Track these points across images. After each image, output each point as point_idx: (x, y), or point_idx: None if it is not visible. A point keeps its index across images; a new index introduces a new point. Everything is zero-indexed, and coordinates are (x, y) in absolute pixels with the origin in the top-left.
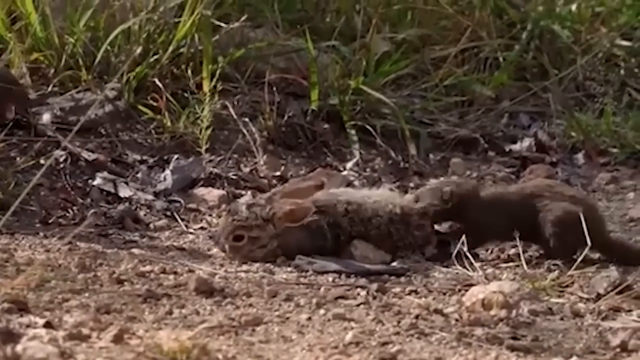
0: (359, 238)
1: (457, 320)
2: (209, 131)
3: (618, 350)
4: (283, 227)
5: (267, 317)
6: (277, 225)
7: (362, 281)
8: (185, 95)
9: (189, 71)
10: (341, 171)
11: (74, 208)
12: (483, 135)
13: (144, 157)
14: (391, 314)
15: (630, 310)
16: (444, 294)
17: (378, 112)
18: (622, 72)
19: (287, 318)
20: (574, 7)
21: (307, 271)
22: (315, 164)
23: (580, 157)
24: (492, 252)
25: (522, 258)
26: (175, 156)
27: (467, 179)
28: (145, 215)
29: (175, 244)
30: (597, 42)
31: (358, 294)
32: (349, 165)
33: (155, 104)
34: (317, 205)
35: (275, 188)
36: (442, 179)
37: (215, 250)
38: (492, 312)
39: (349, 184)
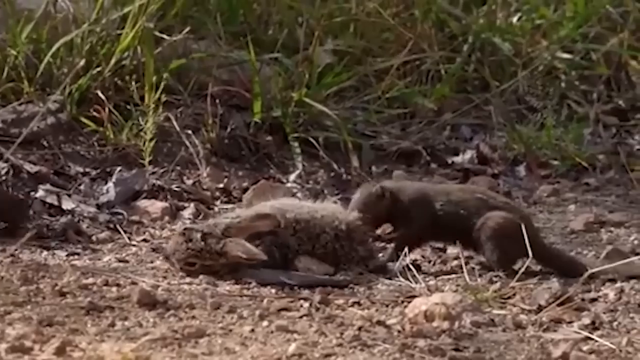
0: (305, 255)
1: (399, 331)
2: (152, 143)
3: None
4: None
5: (210, 329)
6: (229, 259)
7: (305, 293)
8: (128, 107)
9: (132, 83)
10: (284, 183)
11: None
12: (425, 148)
13: (87, 170)
14: (334, 325)
15: (571, 322)
16: (387, 305)
17: (321, 124)
18: (562, 84)
19: (230, 330)
20: (514, 19)
21: (250, 283)
22: (258, 176)
23: (521, 169)
24: (434, 263)
25: (464, 270)
26: (118, 168)
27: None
28: (87, 227)
29: (118, 256)
30: (537, 55)
31: (301, 306)
32: (292, 177)
33: (98, 116)
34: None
35: (231, 218)
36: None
37: (158, 262)
38: (435, 324)
39: (293, 196)
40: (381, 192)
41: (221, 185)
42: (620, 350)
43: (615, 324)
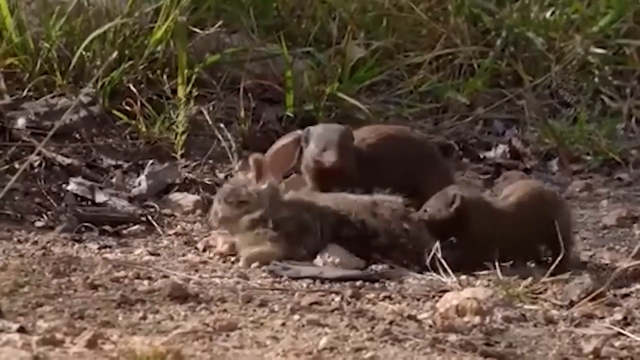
0: (335, 244)
1: (430, 326)
2: (184, 137)
3: (591, 357)
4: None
5: (242, 323)
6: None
7: (337, 287)
8: (161, 100)
9: (165, 77)
10: None
11: (49, 213)
12: (457, 142)
13: (119, 162)
14: (365, 319)
15: (603, 317)
16: (418, 300)
17: (353, 118)
18: (595, 79)
19: (262, 323)
20: (548, 14)
21: (281, 277)
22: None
23: (554, 164)
24: None
25: (496, 265)
26: (150, 161)
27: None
28: (119, 220)
29: (149, 249)
30: (571, 49)
31: (332, 300)
32: None
33: (130, 109)
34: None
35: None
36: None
37: (190, 255)
38: (466, 319)
39: None
40: (453, 199)
41: None
42: None
43: None
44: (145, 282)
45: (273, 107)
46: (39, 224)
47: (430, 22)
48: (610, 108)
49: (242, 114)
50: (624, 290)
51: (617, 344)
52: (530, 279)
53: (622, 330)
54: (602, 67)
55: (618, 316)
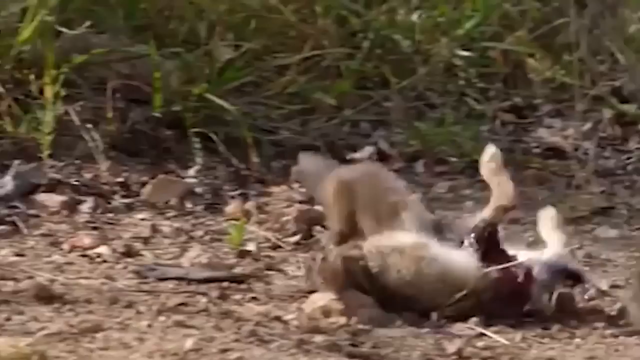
0: None
1: (296, 327)
2: (51, 137)
3: (454, 357)
4: None
5: (107, 324)
6: None
7: (203, 288)
8: (28, 100)
9: (32, 76)
10: (183, 178)
11: None
12: (325, 143)
13: None
14: (231, 321)
15: (466, 319)
16: (284, 301)
17: (221, 120)
18: (461, 82)
19: (127, 325)
20: (415, 17)
21: (147, 278)
22: (158, 170)
23: (419, 165)
24: None
25: None
26: (17, 162)
27: None
28: None
29: (14, 250)
30: (437, 52)
31: (198, 301)
32: (191, 172)
33: None
34: None
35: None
36: None
37: (56, 256)
38: (332, 320)
39: (191, 191)
40: None
41: (120, 179)
42: (514, 346)
43: (509, 320)
44: (10, 283)
45: (141, 107)
46: None
47: (298, 24)
48: (475, 110)
49: (110, 114)
50: None
51: (479, 344)
52: None
53: (484, 331)
54: (467, 70)
55: (481, 317)
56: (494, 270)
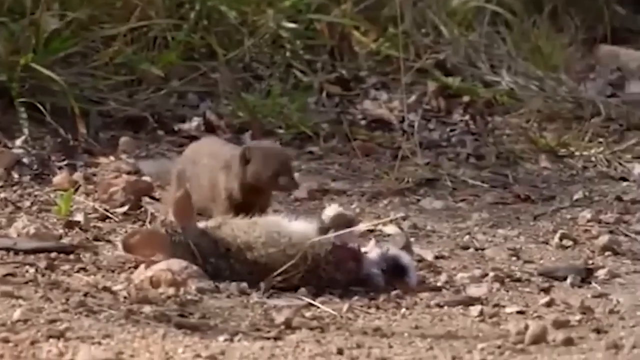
0: None
1: (125, 297)
2: None
3: (282, 327)
4: None
5: None
6: None
7: (31, 258)
8: None
9: None
10: (10, 148)
11: None
12: (152, 114)
13: None
14: (60, 291)
15: (295, 289)
16: (113, 271)
17: (48, 90)
18: (287, 54)
19: None
20: None
21: None
22: None
23: (247, 137)
24: None
25: None
26: None
27: None
28: None
29: None
30: (264, 23)
31: (26, 272)
32: (18, 142)
33: None
34: None
35: None
36: None
37: None
38: (161, 290)
39: (18, 162)
40: None
41: None
42: (342, 316)
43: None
44: None
45: None
46: None
47: None
48: (302, 82)
49: None
50: None
51: (307, 314)
52: None
53: (312, 301)
54: (293, 42)
55: (310, 288)
56: (331, 236)
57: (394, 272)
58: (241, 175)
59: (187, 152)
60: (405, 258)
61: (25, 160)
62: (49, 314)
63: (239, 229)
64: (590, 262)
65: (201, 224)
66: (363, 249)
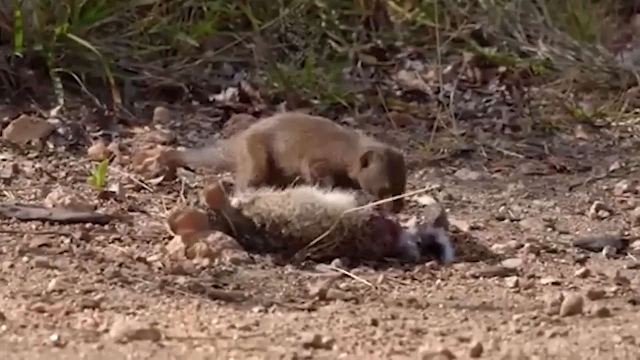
0: None
1: (160, 268)
2: None
3: (317, 298)
4: None
5: None
6: None
7: (66, 229)
8: None
9: None
10: (45, 118)
11: None
12: (187, 85)
13: None
14: (94, 262)
15: (329, 260)
16: (148, 242)
17: (83, 60)
18: (323, 24)
19: None
20: None
21: (10, 218)
22: (19, 110)
23: (282, 107)
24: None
25: None
26: None
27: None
28: None
29: None
30: None
31: (61, 242)
32: (53, 112)
33: None
34: None
35: None
36: None
37: None
38: (195, 261)
39: (53, 132)
40: None
41: None
42: (376, 287)
43: (371, 262)
44: None
45: (2, 47)
46: None
47: None
48: (337, 52)
49: None
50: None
51: (342, 285)
52: None
53: (347, 272)
54: (329, 12)
55: (345, 259)
56: (367, 207)
57: (431, 250)
58: (357, 172)
59: (279, 120)
60: (442, 237)
61: (60, 130)
62: (83, 284)
63: (273, 203)
64: (626, 233)
65: (234, 201)
66: (401, 222)
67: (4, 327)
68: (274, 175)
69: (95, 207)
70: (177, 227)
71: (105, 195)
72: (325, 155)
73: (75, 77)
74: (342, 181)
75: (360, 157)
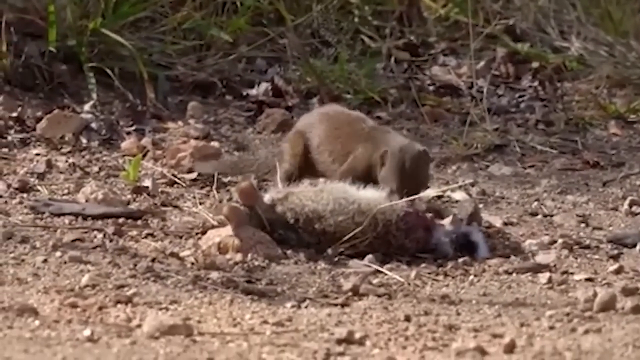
0: None
1: (192, 263)
2: None
3: (350, 294)
4: None
5: (2, 260)
6: None
7: (99, 224)
8: None
9: None
10: (79, 113)
11: None
12: (221, 79)
13: None
14: (127, 257)
15: (362, 256)
16: (180, 237)
17: (116, 55)
18: (356, 19)
19: (23, 260)
20: None
21: (43, 213)
22: (53, 105)
23: (315, 102)
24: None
25: None
26: None
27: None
28: None
29: None
30: None
31: (94, 237)
32: (86, 107)
33: None
34: None
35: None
36: None
37: None
38: (228, 256)
39: (86, 127)
40: None
41: (15, 114)
42: (409, 283)
43: (404, 257)
44: None
45: (36, 41)
46: None
47: None
48: (370, 48)
49: (4, 48)
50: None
51: (375, 281)
52: None
53: (380, 268)
54: (362, 7)
55: (377, 254)
56: (403, 202)
57: (465, 248)
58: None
59: (318, 114)
60: (476, 234)
61: (93, 125)
62: (116, 279)
63: (307, 198)
64: None
65: (267, 196)
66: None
67: (37, 322)
68: (308, 168)
69: (128, 202)
70: (228, 218)
71: (138, 190)
72: (350, 154)
73: (109, 72)
74: (370, 180)
75: (379, 156)
